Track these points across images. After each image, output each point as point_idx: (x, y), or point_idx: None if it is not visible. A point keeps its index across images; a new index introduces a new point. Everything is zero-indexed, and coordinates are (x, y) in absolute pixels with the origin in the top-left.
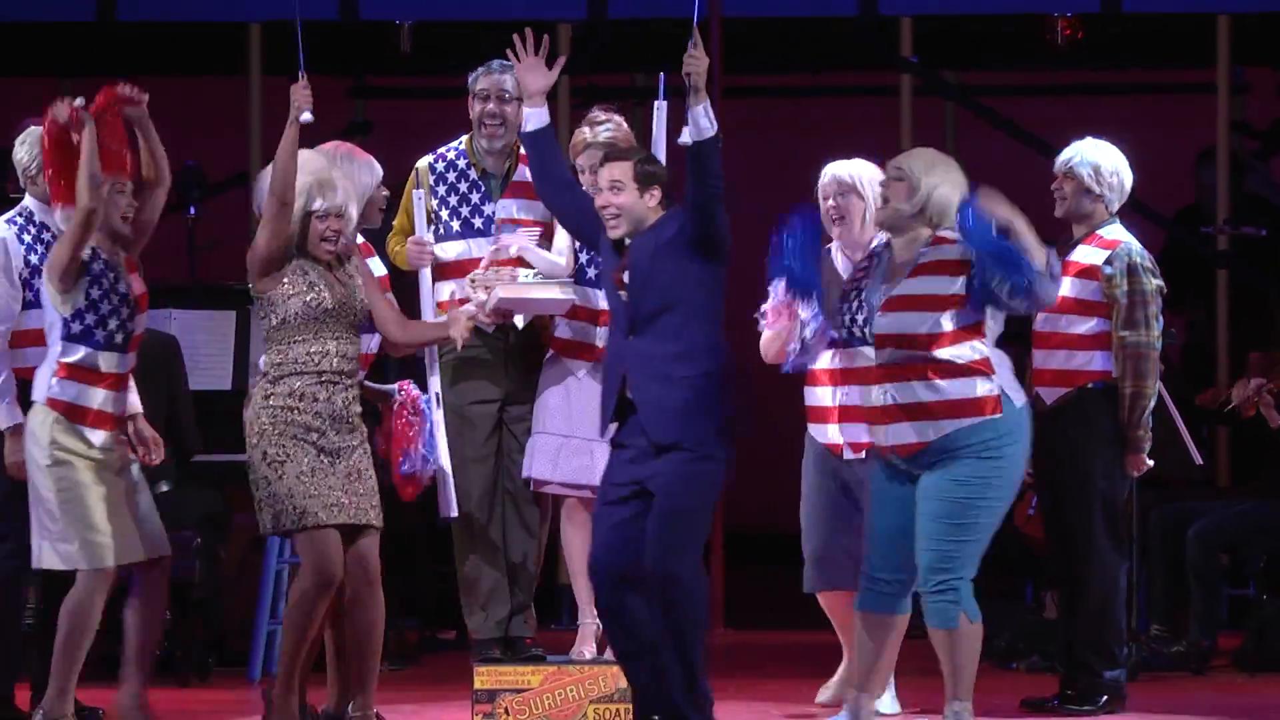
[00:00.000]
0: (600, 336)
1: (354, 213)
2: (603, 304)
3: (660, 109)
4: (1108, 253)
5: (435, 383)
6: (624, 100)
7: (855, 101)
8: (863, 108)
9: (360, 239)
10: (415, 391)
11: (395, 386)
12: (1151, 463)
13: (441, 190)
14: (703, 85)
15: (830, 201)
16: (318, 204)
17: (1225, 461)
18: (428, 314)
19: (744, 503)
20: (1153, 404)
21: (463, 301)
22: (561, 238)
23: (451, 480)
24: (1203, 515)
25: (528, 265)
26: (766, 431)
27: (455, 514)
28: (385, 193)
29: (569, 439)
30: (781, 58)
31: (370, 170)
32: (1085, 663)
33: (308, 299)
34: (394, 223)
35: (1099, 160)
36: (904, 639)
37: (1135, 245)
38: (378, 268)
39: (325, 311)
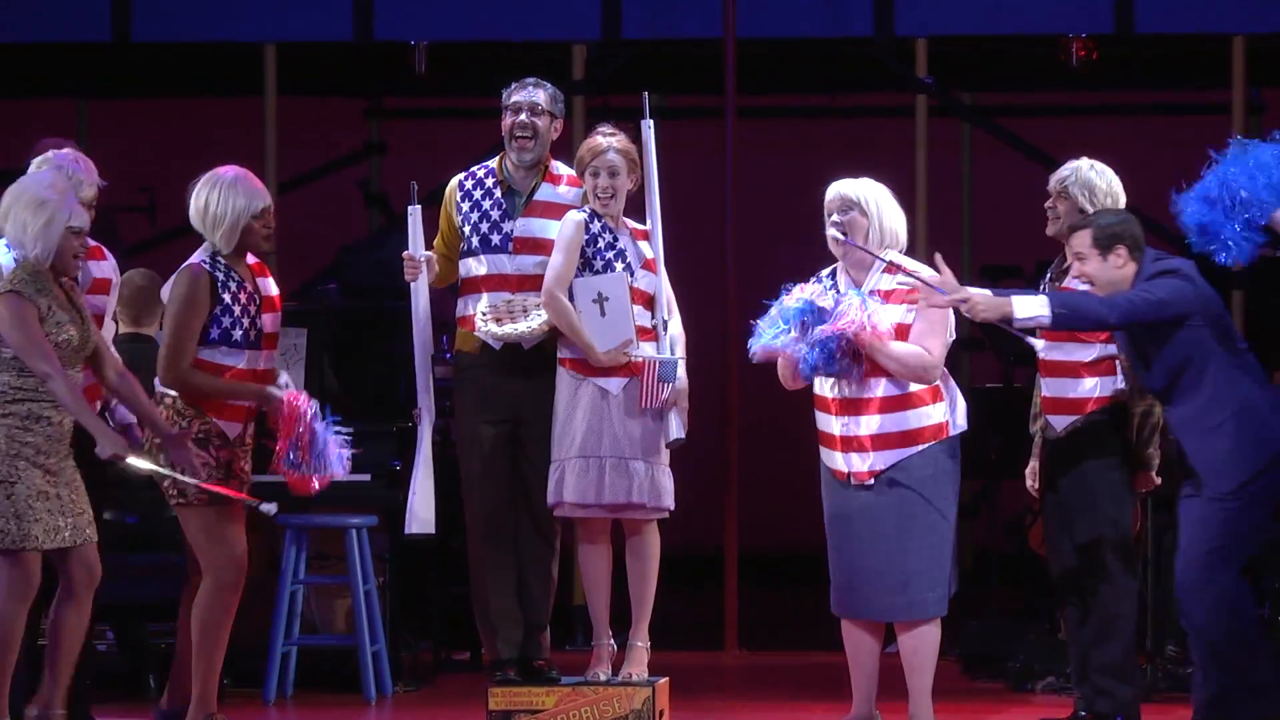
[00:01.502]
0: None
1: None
2: None
3: (647, 128)
4: None
5: (426, 401)
6: (637, 120)
7: (871, 122)
8: (878, 128)
9: (253, 259)
10: (293, 394)
11: (281, 385)
12: (1160, 480)
13: (466, 207)
14: (993, 312)
15: (834, 218)
16: (74, 221)
17: None
18: (418, 329)
19: (758, 524)
20: (1162, 422)
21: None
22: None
23: (417, 498)
24: None
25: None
26: (779, 454)
27: (419, 531)
28: (264, 215)
29: (608, 459)
30: (797, 78)
31: (249, 195)
32: (1100, 684)
33: (59, 340)
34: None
35: (1095, 182)
36: (938, 658)
37: None
38: (272, 288)
39: (72, 349)
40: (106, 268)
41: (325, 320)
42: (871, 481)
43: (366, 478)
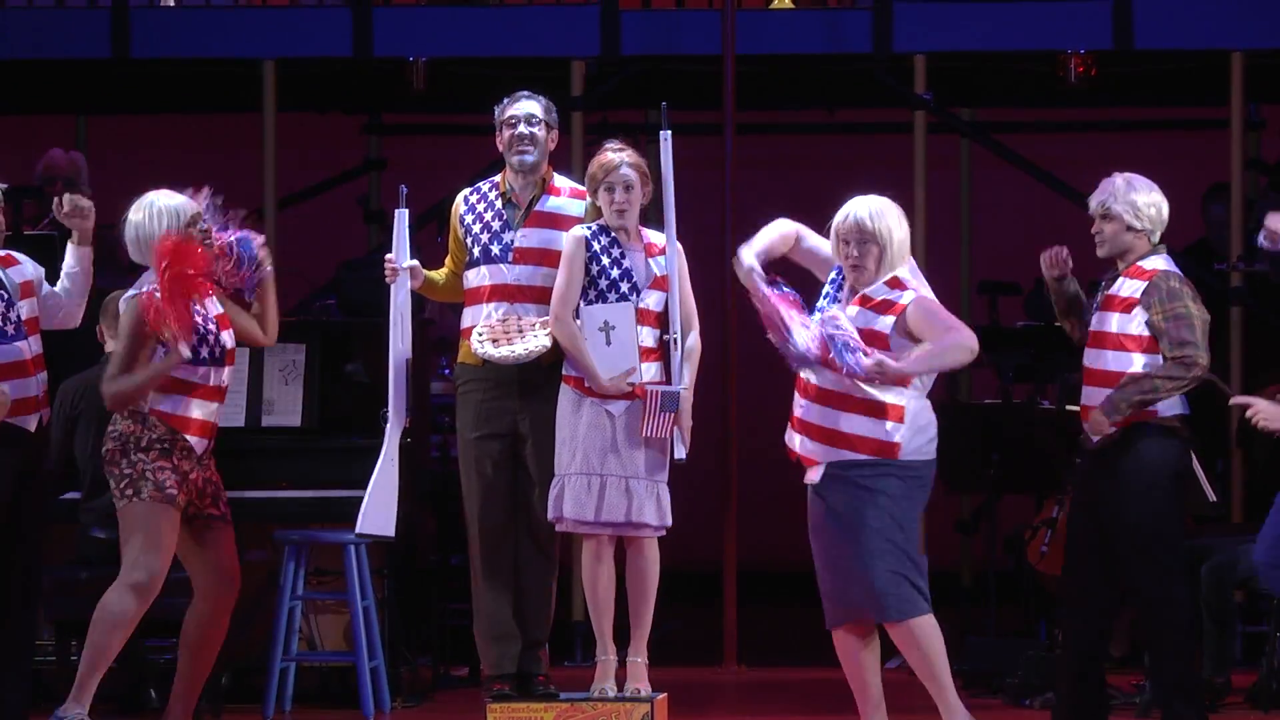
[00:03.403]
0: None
1: None
2: None
3: (665, 139)
4: (1146, 283)
5: (398, 404)
6: (638, 135)
7: (869, 138)
8: (877, 144)
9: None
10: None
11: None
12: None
13: (469, 219)
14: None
15: (853, 250)
16: None
17: (1239, 497)
18: (395, 331)
19: (757, 540)
20: (1150, 398)
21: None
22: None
23: (372, 499)
24: (1217, 551)
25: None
26: (778, 470)
27: (371, 533)
28: (200, 226)
29: (610, 478)
30: (795, 95)
31: (174, 209)
32: (1165, 702)
33: None
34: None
35: (1136, 196)
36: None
37: (1175, 272)
38: (217, 306)
39: None
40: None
41: (324, 336)
42: (818, 479)
43: (365, 494)
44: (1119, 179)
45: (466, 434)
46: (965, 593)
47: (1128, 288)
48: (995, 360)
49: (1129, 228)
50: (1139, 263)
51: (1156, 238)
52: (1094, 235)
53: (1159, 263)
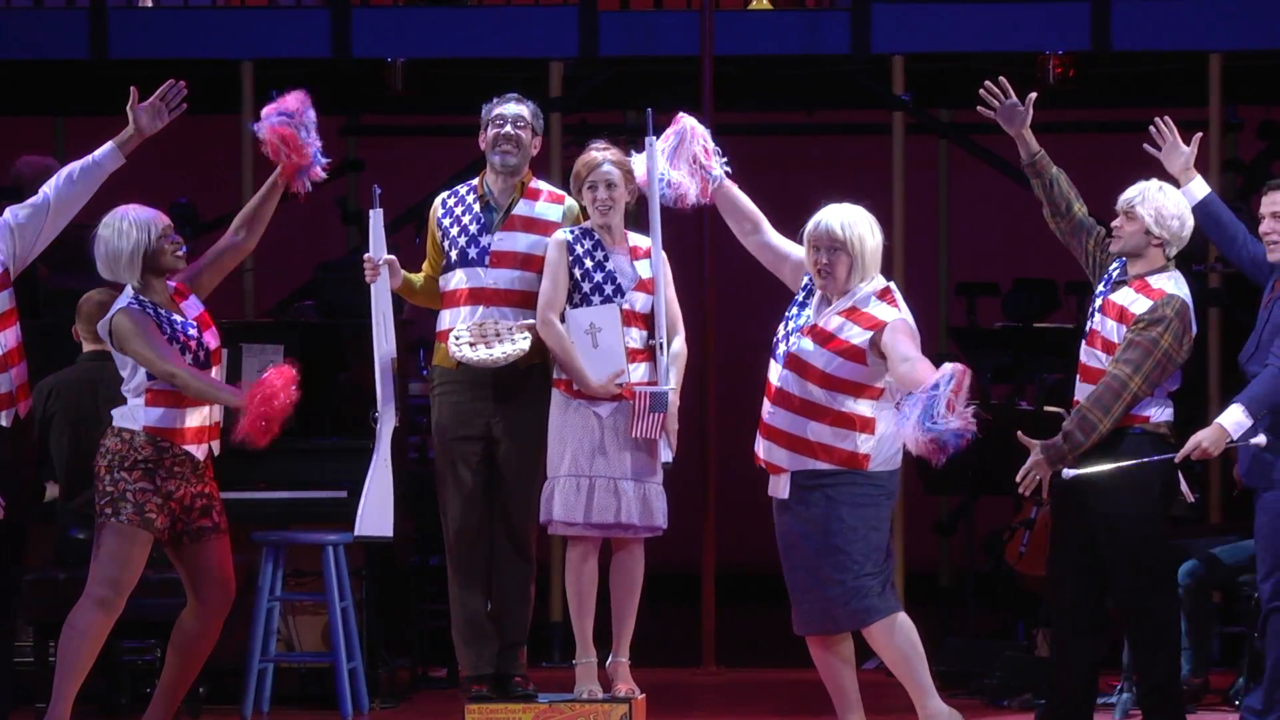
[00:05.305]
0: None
1: None
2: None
3: (650, 143)
4: (1150, 302)
5: (387, 405)
6: (616, 137)
7: (848, 139)
8: (855, 145)
9: (173, 283)
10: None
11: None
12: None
13: (447, 223)
14: (1221, 444)
15: (823, 257)
16: None
17: (1217, 499)
18: (379, 331)
19: (735, 541)
20: (1091, 440)
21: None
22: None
23: (370, 500)
24: (1194, 552)
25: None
26: (757, 472)
27: (371, 534)
28: (165, 235)
29: (598, 479)
30: (774, 96)
31: (141, 222)
32: (1149, 705)
33: None
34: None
35: (1163, 204)
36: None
37: (1179, 300)
38: (197, 306)
39: None
40: None
41: (302, 337)
42: (785, 494)
43: (343, 494)
44: (1154, 182)
45: (441, 436)
46: (943, 593)
47: (1128, 297)
48: (973, 361)
49: (1147, 231)
50: (1149, 278)
51: (1173, 252)
52: (1113, 229)
53: (1168, 284)
